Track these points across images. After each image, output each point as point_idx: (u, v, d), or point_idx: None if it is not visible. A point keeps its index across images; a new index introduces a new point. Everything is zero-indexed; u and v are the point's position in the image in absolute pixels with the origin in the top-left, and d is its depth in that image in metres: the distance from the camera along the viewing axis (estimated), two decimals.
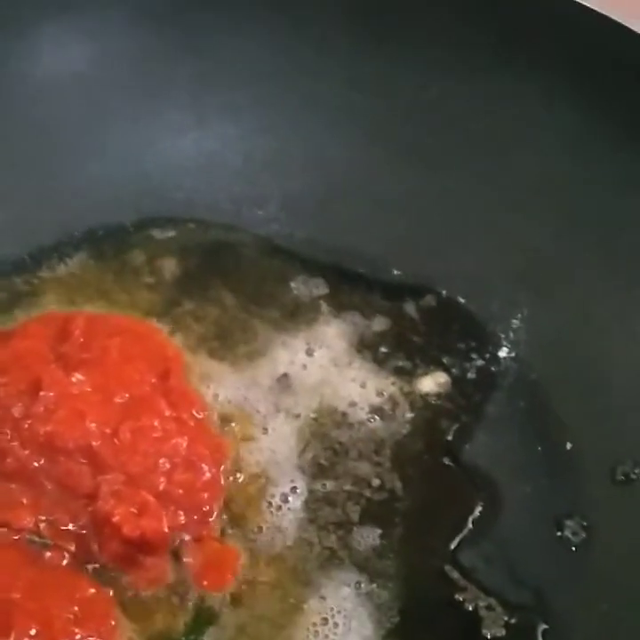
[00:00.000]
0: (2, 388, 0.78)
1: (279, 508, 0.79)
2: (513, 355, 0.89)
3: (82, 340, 0.82)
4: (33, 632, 0.70)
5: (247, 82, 0.97)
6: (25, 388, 0.78)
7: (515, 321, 0.90)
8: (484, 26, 0.91)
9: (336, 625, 0.75)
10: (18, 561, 0.74)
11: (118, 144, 0.96)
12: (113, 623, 0.73)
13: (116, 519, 0.73)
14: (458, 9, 0.91)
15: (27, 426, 0.76)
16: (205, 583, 0.75)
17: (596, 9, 0.85)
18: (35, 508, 0.76)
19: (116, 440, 0.76)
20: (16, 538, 0.75)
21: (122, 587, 0.75)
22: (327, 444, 0.83)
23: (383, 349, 0.89)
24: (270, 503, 0.80)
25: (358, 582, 0.77)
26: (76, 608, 0.72)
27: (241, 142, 0.97)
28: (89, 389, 0.78)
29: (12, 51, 0.92)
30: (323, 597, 0.76)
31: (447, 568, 0.78)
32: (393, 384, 0.87)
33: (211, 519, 0.77)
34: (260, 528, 0.78)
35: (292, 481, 0.81)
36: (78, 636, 0.71)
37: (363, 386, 0.86)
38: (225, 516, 0.78)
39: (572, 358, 0.87)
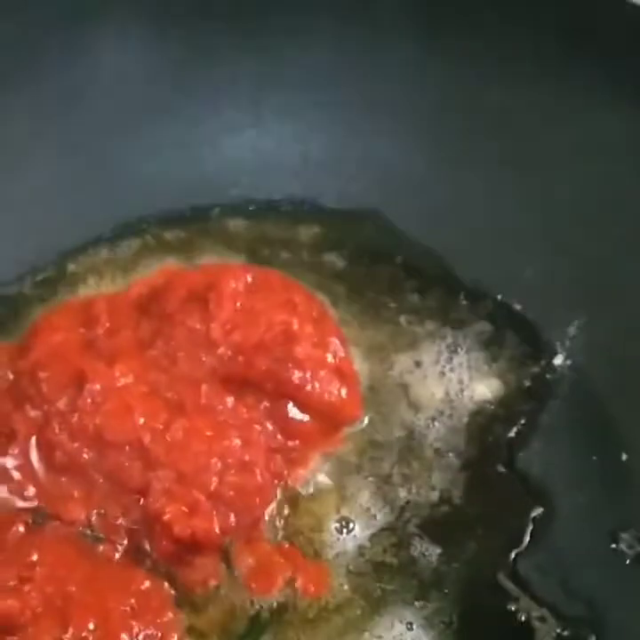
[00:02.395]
0: (44, 383, 0.78)
1: (340, 528, 0.79)
2: (569, 363, 0.88)
3: (108, 324, 0.82)
4: (91, 626, 0.70)
5: (306, 83, 0.97)
6: (68, 382, 0.78)
7: (571, 328, 0.89)
8: (549, 34, 0.90)
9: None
10: (72, 554, 0.74)
11: (177, 141, 0.96)
12: (170, 616, 0.73)
13: (166, 517, 0.73)
14: (522, 15, 0.91)
15: (75, 419, 0.76)
16: (255, 586, 0.75)
17: None
18: (86, 501, 0.76)
19: (167, 437, 0.76)
20: (69, 531, 0.75)
21: (177, 581, 0.75)
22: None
23: (438, 353, 0.88)
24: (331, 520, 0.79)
25: (416, 596, 0.76)
26: (132, 601, 0.72)
27: (298, 142, 0.97)
28: (132, 381, 0.78)
29: (69, 51, 0.93)
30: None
31: (501, 578, 0.77)
32: (448, 390, 0.86)
33: (262, 523, 0.77)
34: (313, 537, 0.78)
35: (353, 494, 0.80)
36: (136, 629, 0.71)
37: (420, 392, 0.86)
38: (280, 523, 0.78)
39: (628, 368, 0.86)
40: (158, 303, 0.84)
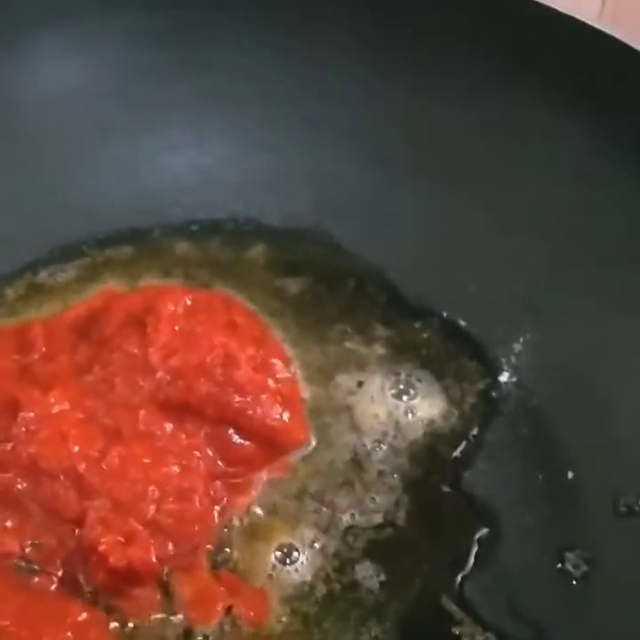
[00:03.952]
0: None
1: (282, 555, 0.77)
2: (514, 380, 0.87)
3: (44, 349, 0.81)
4: None
5: (248, 100, 0.96)
6: (1, 410, 0.76)
7: (517, 345, 0.88)
8: (490, 48, 0.89)
9: None
10: (5, 588, 0.72)
11: (115, 160, 0.95)
12: None
13: (102, 548, 0.71)
14: (464, 31, 0.90)
15: (8, 448, 0.74)
16: (194, 615, 0.73)
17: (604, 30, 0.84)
18: (20, 532, 0.74)
19: (103, 465, 0.74)
20: (2, 564, 0.74)
21: (115, 612, 0.73)
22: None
23: (381, 373, 0.87)
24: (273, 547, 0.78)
25: (359, 622, 0.75)
26: (68, 634, 0.70)
27: (241, 161, 0.96)
28: (68, 407, 0.76)
29: (6, 64, 0.91)
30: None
31: (445, 601, 0.76)
32: (392, 411, 0.85)
33: (201, 551, 0.76)
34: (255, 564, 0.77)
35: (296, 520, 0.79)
36: None
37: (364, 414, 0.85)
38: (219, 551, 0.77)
39: (575, 385, 0.85)
40: (96, 327, 0.82)
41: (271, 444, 0.80)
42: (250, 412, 0.79)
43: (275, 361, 0.83)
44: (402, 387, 0.86)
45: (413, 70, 0.93)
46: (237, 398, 0.79)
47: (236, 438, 0.79)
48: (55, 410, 0.76)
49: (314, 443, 0.83)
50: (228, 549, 0.77)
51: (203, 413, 0.78)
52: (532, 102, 0.89)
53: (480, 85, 0.91)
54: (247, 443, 0.79)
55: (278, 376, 0.82)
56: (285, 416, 0.80)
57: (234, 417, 0.79)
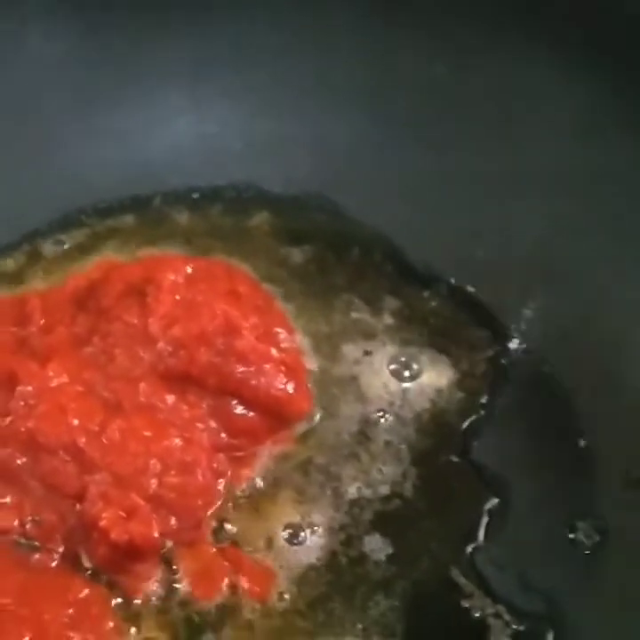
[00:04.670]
0: None
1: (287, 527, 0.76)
2: (524, 347, 0.85)
3: (42, 321, 0.79)
4: (27, 639, 0.67)
5: (247, 64, 0.94)
6: None
7: (526, 311, 0.86)
8: (491, 8, 0.87)
9: None
10: (6, 564, 0.71)
11: (114, 128, 0.94)
12: (111, 625, 0.70)
13: (103, 523, 0.70)
14: None
15: (7, 422, 0.73)
16: (197, 591, 0.72)
17: None
18: (19, 508, 0.73)
19: (103, 438, 0.73)
20: (2, 540, 0.73)
21: (117, 588, 0.72)
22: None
23: (388, 342, 0.85)
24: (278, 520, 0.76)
25: (367, 595, 0.73)
26: (70, 611, 0.69)
27: (241, 126, 0.94)
28: (67, 380, 0.75)
29: (6, 33, 0.90)
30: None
31: (454, 573, 0.74)
32: (400, 380, 0.83)
33: (204, 526, 0.74)
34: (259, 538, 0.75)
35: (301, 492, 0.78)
36: None
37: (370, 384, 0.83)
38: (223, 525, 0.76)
39: (586, 352, 0.83)
40: (95, 298, 0.81)
41: (275, 415, 0.78)
42: (253, 382, 0.77)
43: (278, 330, 0.81)
44: (409, 356, 0.84)
45: (414, 31, 0.91)
46: (240, 368, 0.77)
47: (239, 409, 0.78)
48: (54, 383, 0.75)
49: (319, 414, 0.81)
50: (230, 525, 0.75)
51: (205, 384, 0.77)
52: (535, 61, 0.87)
53: (482, 45, 0.89)
54: (250, 414, 0.78)
55: (282, 345, 0.80)
56: (289, 386, 0.79)
57: (236, 387, 0.77)
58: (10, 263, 0.89)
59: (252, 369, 0.78)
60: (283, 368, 0.79)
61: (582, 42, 0.85)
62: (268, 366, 0.78)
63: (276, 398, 0.78)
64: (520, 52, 0.87)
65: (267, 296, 0.85)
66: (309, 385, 0.82)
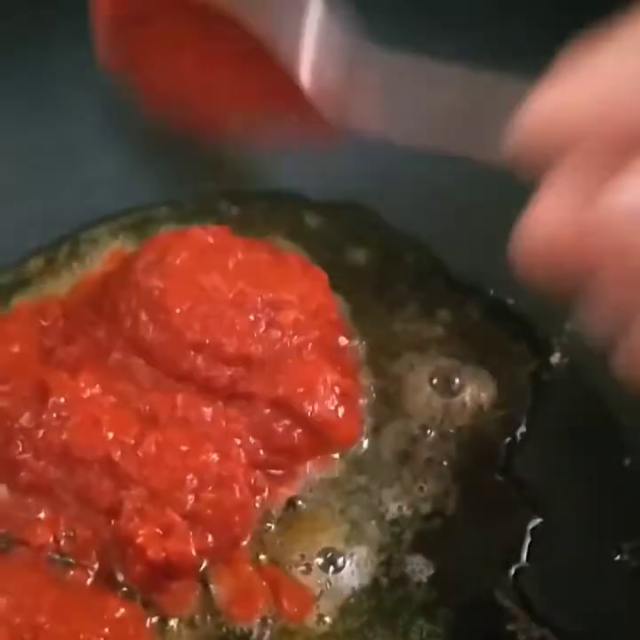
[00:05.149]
0: (5, 397, 0.74)
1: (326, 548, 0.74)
2: (566, 361, 0.83)
3: (64, 329, 0.78)
4: None
5: None
6: (29, 396, 0.73)
7: (568, 324, 0.84)
8: None
9: None
10: (40, 582, 0.69)
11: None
12: None
13: (139, 540, 0.69)
14: None
15: (40, 435, 0.72)
16: (234, 611, 0.70)
17: None
18: (54, 523, 0.72)
19: (138, 452, 0.71)
20: (36, 557, 0.71)
21: (153, 607, 0.71)
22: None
23: (429, 355, 0.83)
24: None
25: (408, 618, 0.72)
26: (106, 630, 0.68)
27: None
28: (99, 391, 0.73)
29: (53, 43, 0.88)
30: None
31: (498, 595, 0.72)
32: (440, 395, 0.81)
33: (241, 543, 0.73)
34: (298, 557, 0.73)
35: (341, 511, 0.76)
36: None
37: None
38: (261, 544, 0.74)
39: None
40: (109, 303, 0.78)
41: (320, 437, 0.76)
42: (301, 401, 0.75)
43: (340, 339, 0.79)
44: (450, 370, 0.82)
45: (457, 35, 0.88)
46: (288, 385, 0.75)
47: (281, 427, 0.75)
48: (86, 394, 0.73)
49: (364, 436, 0.79)
50: (268, 545, 0.74)
51: (245, 399, 0.75)
52: None
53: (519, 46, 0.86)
54: (293, 433, 0.75)
55: (339, 359, 0.78)
56: (340, 410, 0.76)
57: (282, 404, 0.75)
58: (32, 266, 0.88)
59: (301, 390, 0.75)
60: (337, 389, 0.77)
61: None
62: (320, 386, 0.76)
63: (324, 421, 0.76)
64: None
65: (333, 303, 0.82)
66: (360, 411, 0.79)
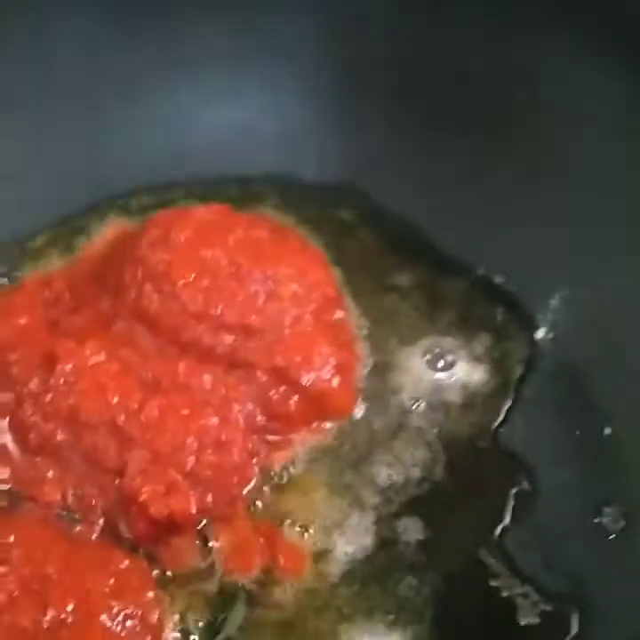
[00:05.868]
0: (14, 365, 0.77)
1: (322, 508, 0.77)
2: (551, 336, 0.87)
3: (70, 301, 0.82)
4: (70, 607, 0.68)
5: (286, 54, 0.94)
6: (38, 362, 0.77)
7: (553, 301, 0.87)
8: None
9: None
10: (49, 536, 0.72)
11: (151, 115, 0.95)
12: (151, 594, 0.71)
13: (143, 498, 0.72)
14: None
15: (48, 399, 0.75)
16: (232, 565, 0.74)
17: None
18: (61, 481, 0.75)
19: (142, 416, 0.74)
20: (45, 513, 0.74)
21: (156, 560, 0.74)
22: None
23: (421, 330, 0.87)
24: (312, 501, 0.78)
25: (399, 574, 0.75)
26: (111, 581, 0.70)
27: (277, 115, 0.95)
28: (104, 358, 0.76)
29: (44, 19, 0.90)
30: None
31: (483, 554, 0.76)
32: (431, 367, 0.84)
33: (239, 503, 0.76)
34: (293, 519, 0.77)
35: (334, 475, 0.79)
36: (116, 609, 0.69)
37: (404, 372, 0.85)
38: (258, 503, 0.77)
39: (612, 341, 0.84)
40: (112, 275, 0.81)
41: (315, 406, 0.79)
42: (298, 370, 0.78)
43: (337, 315, 0.82)
44: (441, 344, 0.86)
45: (449, 18, 0.91)
46: (286, 354, 0.78)
47: (278, 395, 0.78)
48: (91, 361, 0.77)
49: (359, 407, 0.82)
50: (265, 505, 0.77)
51: (246, 367, 0.78)
52: (566, 46, 0.87)
53: (510, 29, 0.89)
54: (290, 400, 0.79)
55: (336, 332, 0.81)
56: (335, 380, 0.80)
57: (279, 373, 0.78)
58: (39, 241, 0.90)
59: (298, 359, 0.79)
60: (332, 360, 0.80)
61: (617, 28, 0.85)
62: (316, 356, 0.79)
63: (320, 390, 0.79)
64: (549, 46, 0.87)
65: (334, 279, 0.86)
66: (356, 382, 0.82)
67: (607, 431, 0.81)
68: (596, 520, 0.77)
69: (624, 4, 0.84)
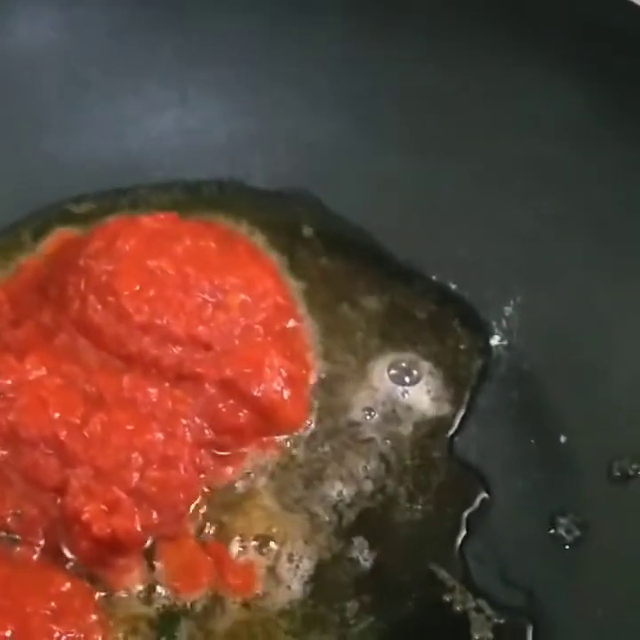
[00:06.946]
0: None
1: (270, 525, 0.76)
2: (505, 343, 0.85)
3: (10, 314, 0.79)
4: (8, 633, 0.66)
5: (232, 60, 0.93)
6: None
7: (508, 308, 0.86)
8: (482, 8, 0.88)
9: None
10: None
11: (96, 120, 0.93)
12: (94, 617, 0.70)
13: (85, 517, 0.70)
14: None
15: None
16: (179, 585, 0.72)
17: None
18: (1, 501, 0.73)
19: (84, 432, 0.72)
20: None
21: (100, 582, 0.72)
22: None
23: (370, 338, 0.85)
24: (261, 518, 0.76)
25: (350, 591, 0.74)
26: (52, 604, 0.69)
27: (224, 122, 0.94)
28: (45, 373, 0.74)
29: None
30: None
31: (435, 568, 0.74)
32: (383, 377, 0.83)
33: (186, 520, 0.74)
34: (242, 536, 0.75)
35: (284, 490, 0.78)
36: (57, 633, 0.68)
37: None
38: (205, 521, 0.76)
39: (567, 348, 0.84)
40: (54, 285, 0.79)
41: (265, 419, 0.78)
42: (247, 382, 0.77)
43: (290, 324, 0.81)
44: (394, 353, 0.84)
45: (402, 33, 0.91)
46: (235, 366, 0.77)
47: (227, 408, 0.77)
48: (32, 376, 0.75)
49: (310, 420, 0.80)
50: (212, 522, 0.75)
51: (193, 380, 0.76)
52: (523, 60, 0.87)
53: (468, 43, 0.89)
54: (239, 414, 0.77)
55: (288, 341, 0.80)
56: (285, 393, 0.78)
57: (228, 385, 0.76)
58: None
59: (248, 371, 0.77)
60: (283, 372, 0.78)
61: (572, 42, 0.85)
62: (266, 368, 0.78)
63: (270, 403, 0.77)
64: (507, 54, 0.88)
65: (269, 265, 0.84)
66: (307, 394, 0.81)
67: (563, 440, 0.80)
68: (551, 531, 0.76)
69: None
